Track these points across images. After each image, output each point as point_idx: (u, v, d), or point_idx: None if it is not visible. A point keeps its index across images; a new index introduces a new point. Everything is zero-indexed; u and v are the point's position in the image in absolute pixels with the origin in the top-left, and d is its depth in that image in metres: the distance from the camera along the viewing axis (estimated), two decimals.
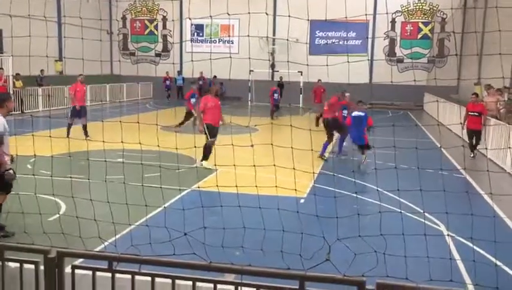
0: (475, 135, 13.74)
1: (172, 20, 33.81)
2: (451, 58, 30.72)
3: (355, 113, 12.41)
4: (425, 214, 6.64)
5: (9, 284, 3.42)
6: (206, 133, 11.35)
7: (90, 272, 3.29)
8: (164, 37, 35.32)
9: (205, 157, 11.35)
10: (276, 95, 22.44)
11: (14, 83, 22.18)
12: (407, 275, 3.27)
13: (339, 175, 10.49)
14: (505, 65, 18.83)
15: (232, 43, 33.17)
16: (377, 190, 5.21)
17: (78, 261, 4.26)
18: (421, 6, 31.61)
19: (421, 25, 31.81)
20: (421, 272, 4.04)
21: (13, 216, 6.58)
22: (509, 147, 11.75)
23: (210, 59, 6.23)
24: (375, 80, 29.90)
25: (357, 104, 12.74)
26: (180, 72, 33.46)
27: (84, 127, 14.90)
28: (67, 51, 28.02)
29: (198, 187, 7.01)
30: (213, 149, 11.16)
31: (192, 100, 17.88)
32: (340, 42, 31.80)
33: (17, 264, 3.37)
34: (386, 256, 3.67)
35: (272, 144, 4.33)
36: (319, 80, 21.05)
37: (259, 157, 11.56)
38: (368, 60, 29.67)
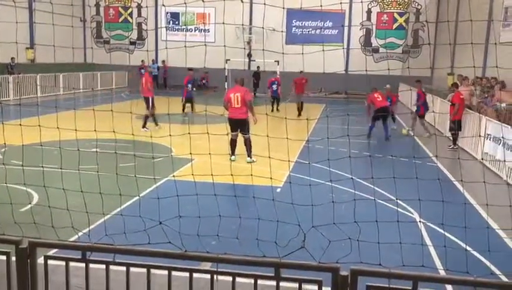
0: (452, 124, 13.97)
1: (146, 7, 33.26)
2: (425, 49, 31.16)
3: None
4: (399, 201, 6.75)
5: None
6: (248, 126, 11.34)
7: (63, 263, 3.24)
8: (139, 25, 34.80)
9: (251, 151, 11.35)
10: (274, 86, 21.97)
11: None
12: (381, 261, 3.32)
13: (314, 164, 10.56)
14: (477, 55, 19.21)
15: (208, 31, 32.89)
16: (352, 178, 5.28)
17: (51, 252, 4.20)
18: None
19: (396, 16, 32.12)
20: (394, 258, 4.12)
21: None
22: (480, 136, 12.02)
23: (185, 47, 6.17)
24: (351, 69, 30.09)
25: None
26: (155, 61, 33.08)
27: (147, 118, 15.29)
28: (38, 38, 27.33)
29: (174, 177, 6.96)
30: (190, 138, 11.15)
31: (189, 86, 19.08)
32: (317, 32, 31.88)
33: None
34: (360, 243, 3.72)
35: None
36: (301, 71, 20.58)
37: (236, 147, 11.60)
38: (344, 48, 29.82)
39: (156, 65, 32.74)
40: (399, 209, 7.22)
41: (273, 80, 22.35)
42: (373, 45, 32.25)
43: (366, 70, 26.69)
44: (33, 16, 26.74)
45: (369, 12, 32.06)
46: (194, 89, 26.58)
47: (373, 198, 5.79)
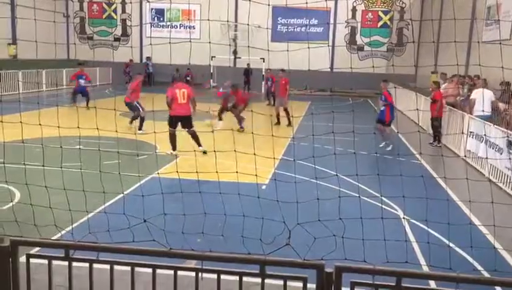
0: (435, 122, 14.14)
1: (131, 3, 32.94)
2: (409, 48, 31.41)
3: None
4: (383, 198, 6.80)
5: None
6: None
7: (46, 261, 3.20)
8: (123, 21, 34.48)
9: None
10: (270, 82, 22.49)
11: None
12: (365, 257, 3.34)
13: (299, 161, 10.59)
14: (460, 54, 19.43)
15: (194, 28, 32.73)
16: (336, 175, 5.29)
17: (34, 250, 4.14)
18: None
19: (381, 14, 32.31)
20: (378, 255, 4.14)
21: None
22: (463, 133, 12.16)
23: (169, 43, 6.13)
24: (336, 67, 30.22)
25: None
26: (150, 58, 32.62)
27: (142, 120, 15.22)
28: (21, 34, 26.94)
29: (158, 174, 6.92)
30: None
31: (81, 81, 19.03)
32: (302, 29, 31.93)
33: None
34: (345, 240, 3.74)
35: (232, 130, 4.31)
36: (282, 70, 18.85)
37: (220, 144, 11.58)
38: (329, 46, 29.88)
39: (151, 62, 32.32)
40: (383, 206, 7.27)
41: (269, 76, 22.83)
42: (358, 43, 32.41)
43: (351, 67, 26.83)
44: (15, 11, 26.30)
45: (354, 10, 32.21)
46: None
47: (358, 195, 5.83)
